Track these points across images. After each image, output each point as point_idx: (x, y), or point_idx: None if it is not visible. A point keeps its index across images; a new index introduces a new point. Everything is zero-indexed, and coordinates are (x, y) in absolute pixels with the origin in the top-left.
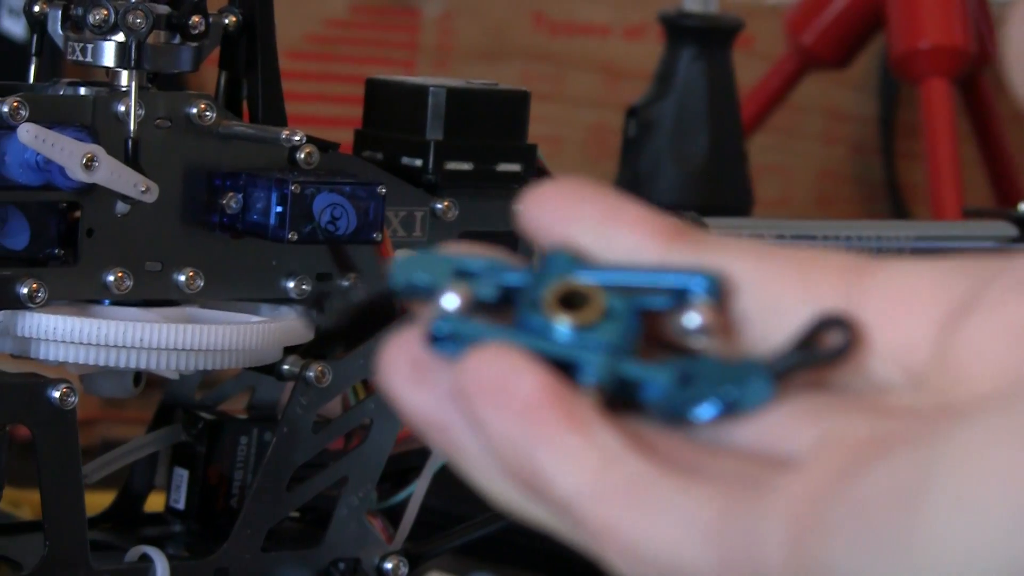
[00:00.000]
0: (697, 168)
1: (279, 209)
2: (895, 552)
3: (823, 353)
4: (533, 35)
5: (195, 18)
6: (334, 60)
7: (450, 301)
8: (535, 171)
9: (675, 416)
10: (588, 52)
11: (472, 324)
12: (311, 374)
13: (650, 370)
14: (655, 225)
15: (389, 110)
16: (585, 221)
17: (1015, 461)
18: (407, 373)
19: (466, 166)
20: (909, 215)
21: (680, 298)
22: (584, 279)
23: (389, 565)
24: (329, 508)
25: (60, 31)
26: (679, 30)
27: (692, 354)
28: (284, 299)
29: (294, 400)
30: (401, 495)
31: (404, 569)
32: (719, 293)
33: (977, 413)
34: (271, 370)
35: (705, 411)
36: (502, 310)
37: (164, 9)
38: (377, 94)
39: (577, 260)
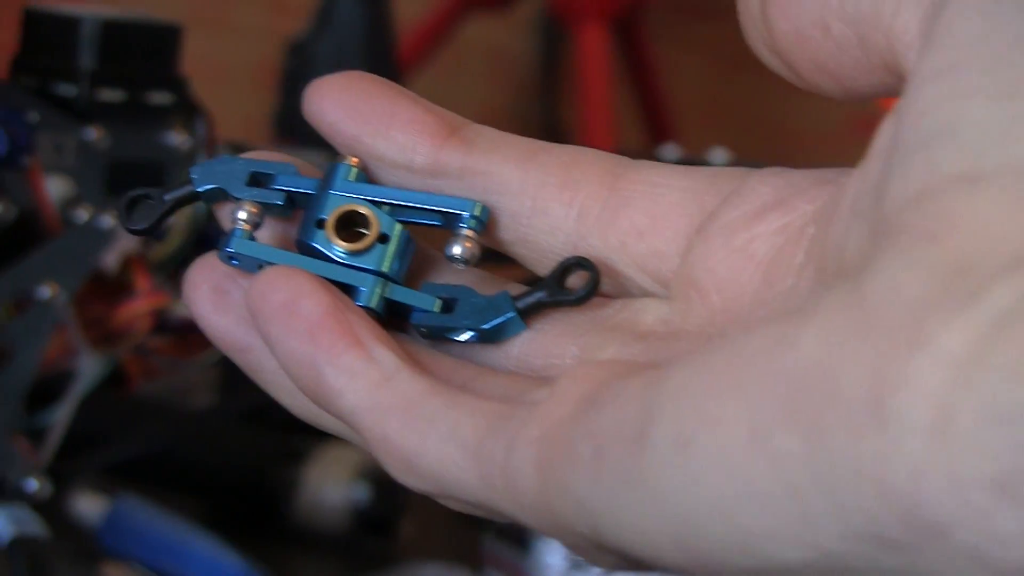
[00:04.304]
0: None
1: None
2: (628, 484)
3: (567, 296)
4: None
5: None
6: None
7: (242, 212)
8: (187, 103)
9: (439, 339)
10: None
11: (261, 247)
12: None
13: (416, 296)
14: (429, 125)
15: (44, 38)
16: (364, 119)
17: (721, 404)
18: (210, 297)
19: (119, 96)
20: None
21: (449, 219)
22: (363, 200)
23: (34, 484)
24: None
25: None
26: None
27: (456, 280)
28: None
29: None
30: (48, 416)
31: (48, 488)
32: (485, 220)
33: (697, 354)
34: None
35: (463, 337)
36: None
37: None
38: (33, 23)
39: (360, 173)
